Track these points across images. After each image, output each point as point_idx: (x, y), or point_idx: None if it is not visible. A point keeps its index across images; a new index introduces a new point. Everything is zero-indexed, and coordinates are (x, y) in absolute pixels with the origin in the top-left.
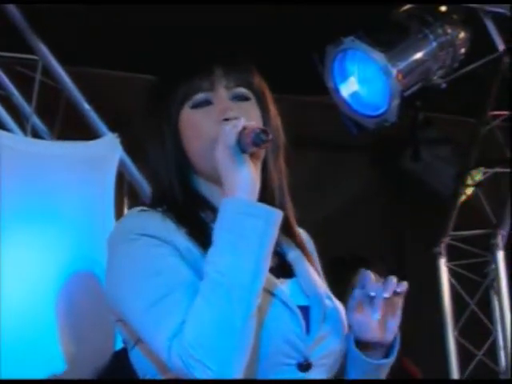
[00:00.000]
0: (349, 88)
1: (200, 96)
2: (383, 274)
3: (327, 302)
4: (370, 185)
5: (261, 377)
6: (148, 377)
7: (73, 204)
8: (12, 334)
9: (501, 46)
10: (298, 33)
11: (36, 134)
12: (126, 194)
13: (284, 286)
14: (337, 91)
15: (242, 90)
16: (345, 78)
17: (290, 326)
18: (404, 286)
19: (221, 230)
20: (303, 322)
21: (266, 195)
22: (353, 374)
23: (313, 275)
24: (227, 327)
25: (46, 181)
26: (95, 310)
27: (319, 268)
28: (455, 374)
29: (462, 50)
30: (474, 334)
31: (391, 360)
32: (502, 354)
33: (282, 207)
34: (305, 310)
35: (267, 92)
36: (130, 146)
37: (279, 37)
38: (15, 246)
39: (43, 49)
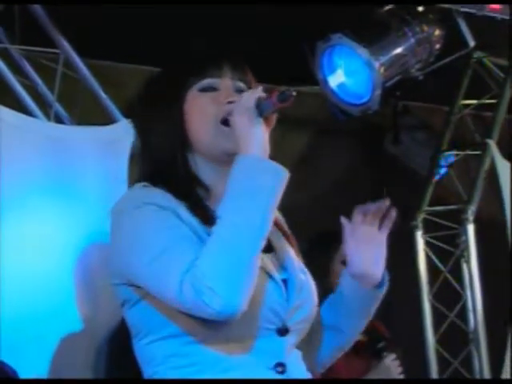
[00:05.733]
0: (336, 79)
1: (208, 81)
2: None
3: (301, 275)
4: (355, 166)
5: (238, 339)
6: (150, 328)
7: (90, 182)
8: (34, 296)
9: (471, 42)
10: (290, 29)
11: (58, 120)
12: None
13: (265, 259)
14: (325, 82)
15: (242, 85)
16: (333, 70)
17: (273, 296)
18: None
19: (237, 181)
20: (285, 292)
21: None
22: (354, 304)
23: (289, 251)
24: (238, 261)
25: (66, 162)
26: (108, 277)
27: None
28: (429, 333)
29: (437, 46)
30: (447, 298)
31: (383, 290)
32: (471, 315)
33: None
34: (284, 282)
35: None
36: None
37: (273, 32)
38: (38, 219)
39: (64, 43)
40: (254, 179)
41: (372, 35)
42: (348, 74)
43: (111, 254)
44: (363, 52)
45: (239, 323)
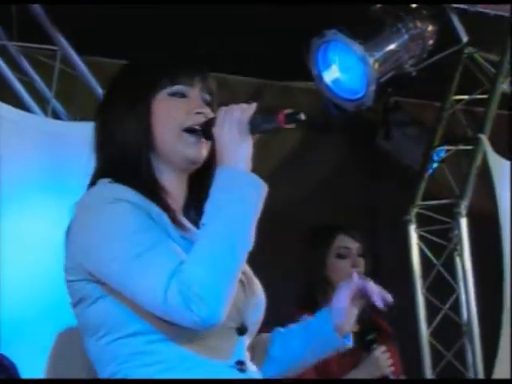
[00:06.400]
0: (331, 75)
1: (179, 87)
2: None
3: (254, 277)
4: (348, 161)
5: (203, 337)
6: (114, 325)
7: (86, 178)
8: (31, 293)
9: (464, 38)
10: (286, 27)
11: (56, 116)
12: None
13: None
14: (320, 78)
15: (208, 97)
16: (327, 66)
17: (240, 295)
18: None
19: (224, 190)
20: (248, 293)
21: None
22: (315, 346)
23: None
24: (225, 271)
25: (63, 157)
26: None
27: None
28: (423, 326)
29: (430, 42)
30: (440, 291)
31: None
32: (464, 308)
33: None
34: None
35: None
36: None
37: (270, 31)
38: (35, 214)
39: (62, 40)
40: (240, 191)
41: (366, 31)
42: (343, 69)
43: (72, 249)
44: (358, 48)
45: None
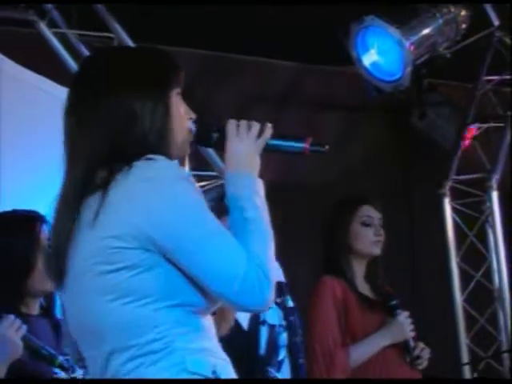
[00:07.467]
0: (369, 58)
1: (179, 88)
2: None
3: None
4: (385, 140)
5: (209, 313)
6: (167, 293)
7: None
8: None
9: (496, 22)
10: (325, 14)
11: None
12: None
13: None
14: (359, 61)
15: None
16: (366, 49)
17: None
18: None
19: (255, 194)
20: None
21: None
22: None
23: None
24: (273, 262)
25: None
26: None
27: None
28: (457, 293)
29: (464, 26)
30: (473, 260)
31: None
32: (496, 275)
33: None
34: None
35: None
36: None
37: (311, 17)
38: None
39: (118, 28)
40: (262, 194)
41: (402, 17)
42: (380, 53)
43: (133, 218)
44: (395, 32)
45: (216, 301)
